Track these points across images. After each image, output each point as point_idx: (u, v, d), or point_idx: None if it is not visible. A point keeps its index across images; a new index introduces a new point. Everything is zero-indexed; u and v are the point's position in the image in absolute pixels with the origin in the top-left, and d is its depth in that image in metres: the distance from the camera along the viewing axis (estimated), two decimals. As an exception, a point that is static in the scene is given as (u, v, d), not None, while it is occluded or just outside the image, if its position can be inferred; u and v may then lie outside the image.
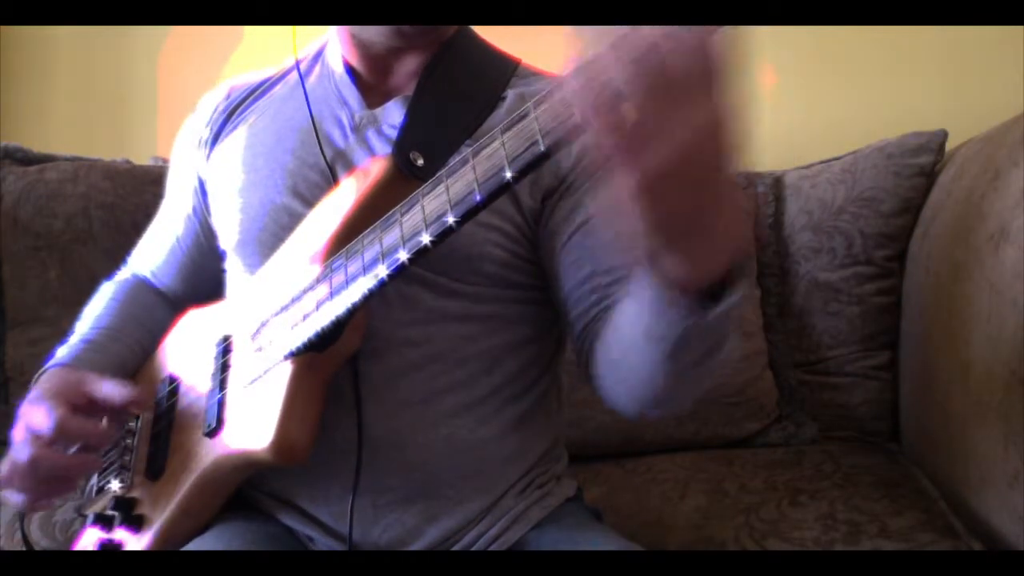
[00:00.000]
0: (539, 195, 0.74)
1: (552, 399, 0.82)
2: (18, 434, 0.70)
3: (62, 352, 0.81)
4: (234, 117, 0.83)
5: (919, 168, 1.22)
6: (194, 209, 0.87)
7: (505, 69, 0.80)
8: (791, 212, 1.31)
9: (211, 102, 0.86)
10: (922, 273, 1.16)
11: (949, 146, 1.23)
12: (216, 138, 0.83)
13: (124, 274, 0.95)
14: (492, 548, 0.73)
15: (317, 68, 0.83)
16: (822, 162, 1.33)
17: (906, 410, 1.20)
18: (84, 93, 1.68)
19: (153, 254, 0.92)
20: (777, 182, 1.34)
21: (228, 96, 0.85)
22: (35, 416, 0.68)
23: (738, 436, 1.22)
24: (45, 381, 0.74)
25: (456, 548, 0.73)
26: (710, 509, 1.00)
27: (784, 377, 1.26)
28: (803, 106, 1.52)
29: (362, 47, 0.78)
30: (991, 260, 0.90)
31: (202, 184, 0.85)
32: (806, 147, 1.42)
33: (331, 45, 0.83)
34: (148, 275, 0.93)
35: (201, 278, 0.88)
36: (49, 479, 0.69)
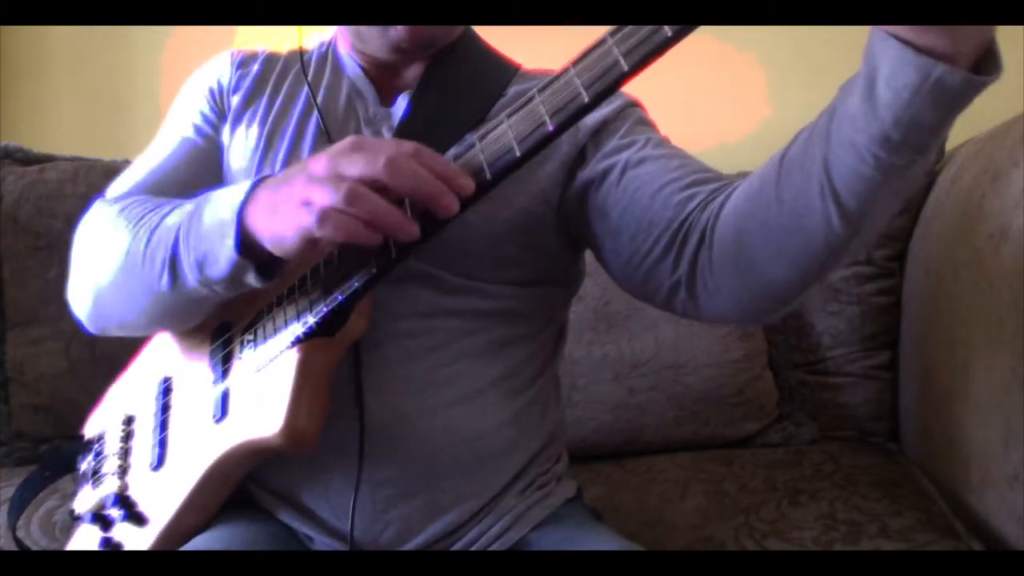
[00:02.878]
0: (559, 166, 0.76)
1: (550, 396, 0.82)
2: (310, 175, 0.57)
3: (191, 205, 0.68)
4: (255, 86, 0.82)
5: (919, 168, 1.22)
6: (209, 120, 0.83)
7: (506, 71, 0.82)
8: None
9: (235, 58, 0.85)
10: (922, 273, 1.16)
11: (949, 146, 1.23)
12: (237, 99, 0.82)
13: (108, 204, 0.80)
14: (493, 547, 0.74)
15: (331, 59, 0.83)
16: (822, 162, 1.33)
17: (906, 410, 1.20)
18: (84, 93, 1.68)
19: (146, 181, 0.82)
20: (777, 182, 1.34)
21: (253, 59, 0.84)
22: (356, 153, 0.56)
23: (738, 436, 1.22)
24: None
25: (457, 547, 0.73)
26: (710, 509, 1.00)
27: (784, 377, 1.26)
28: (803, 106, 1.51)
29: (366, 55, 0.80)
30: (991, 260, 0.90)
31: (223, 106, 0.83)
32: (806, 147, 1.42)
33: (341, 42, 0.84)
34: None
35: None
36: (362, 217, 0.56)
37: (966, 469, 0.94)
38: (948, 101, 0.46)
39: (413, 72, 0.80)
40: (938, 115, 0.47)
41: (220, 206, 0.63)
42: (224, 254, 0.62)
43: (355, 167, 0.55)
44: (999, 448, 0.84)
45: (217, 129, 0.83)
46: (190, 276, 0.65)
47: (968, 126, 1.19)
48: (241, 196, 0.62)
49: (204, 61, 0.88)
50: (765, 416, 1.23)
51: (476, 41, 0.84)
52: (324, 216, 0.54)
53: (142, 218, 0.71)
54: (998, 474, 0.85)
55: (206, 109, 0.83)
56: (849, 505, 0.96)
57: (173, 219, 0.68)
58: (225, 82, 0.83)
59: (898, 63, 0.46)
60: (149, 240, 0.68)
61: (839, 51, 1.49)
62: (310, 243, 0.57)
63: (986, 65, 0.46)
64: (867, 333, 1.24)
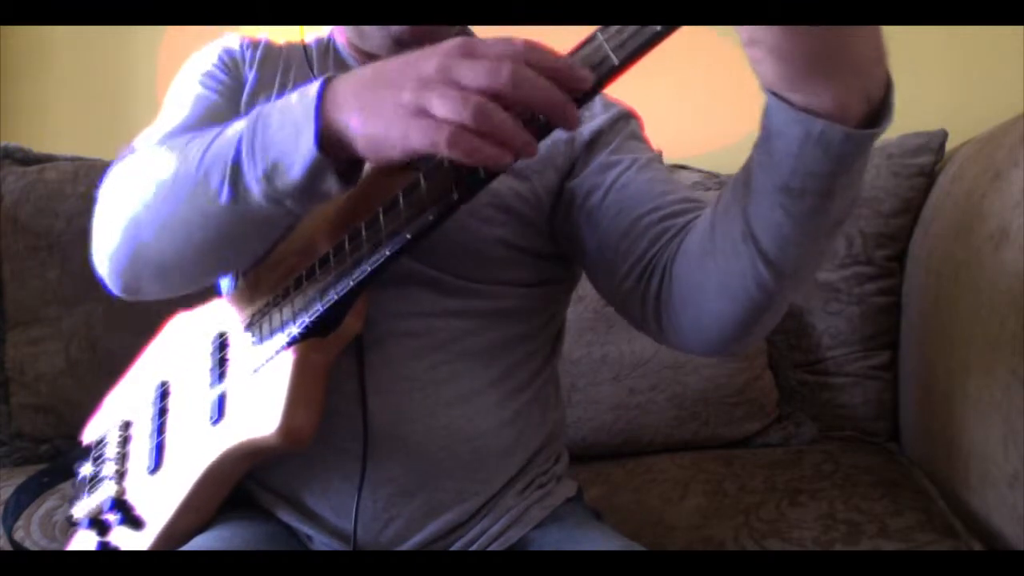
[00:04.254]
0: (555, 175, 0.77)
1: (550, 395, 0.83)
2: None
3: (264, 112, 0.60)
4: (261, 72, 0.81)
5: (919, 168, 1.22)
6: (217, 97, 0.80)
7: None
8: (791, 212, 1.31)
9: (239, 38, 0.84)
10: (922, 273, 1.16)
11: (949, 146, 1.23)
12: (250, 92, 0.81)
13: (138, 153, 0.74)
14: (493, 546, 0.74)
15: (332, 57, 0.83)
16: (822, 162, 1.33)
17: (906, 410, 1.21)
18: (84, 93, 1.68)
19: (168, 131, 0.78)
20: (777, 182, 1.34)
21: (258, 44, 0.83)
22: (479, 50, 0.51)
23: (738, 436, 1.22)
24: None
25: (457, 546, 0.73)
26: (710, 509, 1.00)
27: (784, 377, 1.26)
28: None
29: (364, 52, 0.81)
30: (991, 260, 0.90)
31: (241, 62, 0.82)
32: (806, 147, 1.42)
33: (339, 39, 0.84)
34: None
35: None
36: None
37: (966, 469, 0.94)
38: (837, 153, 0.49)
39: None
40: (832, 165, 0.49)
41: (291, 105, 0.57)
42: (300, 154, 0.55)
43: (477, 77, 0.49)
44: (999, 448, 0.84)
45: (233, 92, 0.79)
46: (255, 188, 0.58)
47: (968, 126, 1.20)
48: (315, 91, 0.56)
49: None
50: (765, 416, 1.23)
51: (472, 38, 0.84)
52: (456, 135, 0.48)
53: (190, 142, 0.64)
54: (998, 474, 0.85)
55: (219, 73, 0.80)
56: (849, 505, 0.96)
57: (231, 132, 0.60)
58: (237, 52, 0.82)
59: (784, 120, 0.49)
60: (202, 158, 0.61)
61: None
62: (421, 155, 0.52)
63: (883, 115, 0.49)
64: (867, 333, 1.24)
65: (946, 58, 1.43)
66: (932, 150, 1.22)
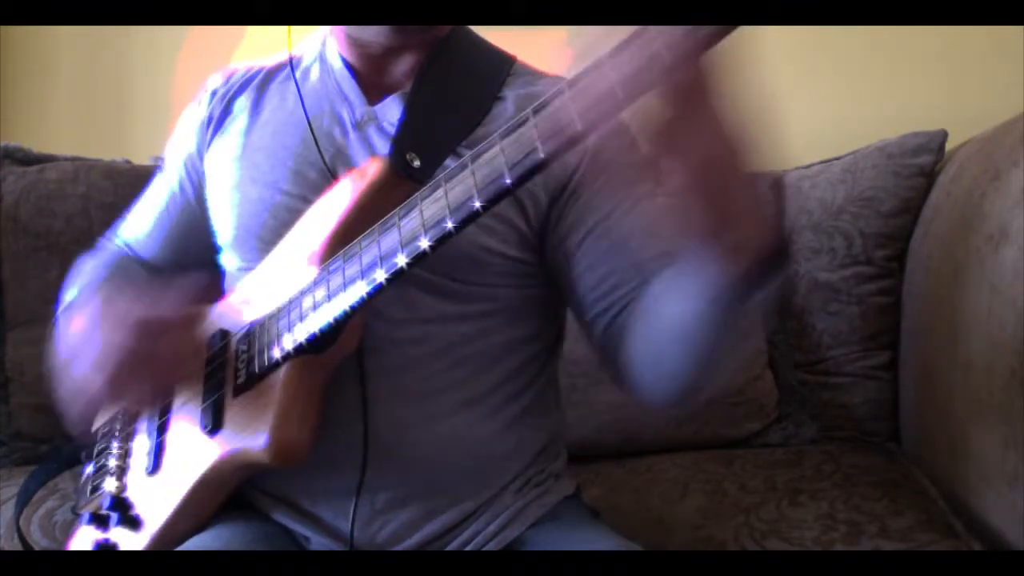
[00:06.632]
0: (546, 199, 0.74)
1: (550, 397, 0.82)
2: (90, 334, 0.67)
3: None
4: (233, 106, 0.83)
5: (919, 168, 1.22)
6: (184, 185, 0.86)
7: (501, 67, 0.80)
8: (791, 212, 1.30)
9: (211, 87, 0.85)
10: (922, 273, 1.16)
11: (949, 146, 1.23)
12: (217, 126, 0.82)
13: (111, 244, 0.93)
14: (490, 546, 0.74)
15: (317, 65, 0.82)
16: (822, 162, 1.33)
17: (906, 410, 1.20)
18: (84, 93, 1.68)
19: (140, 224, 0.90)
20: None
21: (228, 82, 0.84)
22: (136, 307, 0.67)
23: (738, 436, 1.22)
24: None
25: (454, 545, 0.73)
26: (710, 509, 1.00)
27: (784, 377, 1.26)
28: (803, 106, 1.51)
29: (359, 46, 0.78)
30: (991, 260, 0.90)
31: (199, 168, 0.84)
32: (806, 147, 1.42)
33: (329, 42, 0.82)
34: (132, 243, 0.91)
35: (187, 247, 0.87)
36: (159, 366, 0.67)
37: (966, 469, 0.94)
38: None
39: (403, 67, 0.78)
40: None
41: None
42: None
43: None
44: (999, 448, 0.84)
45: (195, 184, 0.85)
46: None
47: (968, 126, 1.20)
48: None
49: (205, 60, 0.88)
50: (765, 416, 1.23)
51: (469, 36, 0.82)
52: None
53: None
54: (998, 474, 0.85)
55: (183, 173, 0.86)
56: (849, 505, 0.96)
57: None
58: (194, 146, 0.84)
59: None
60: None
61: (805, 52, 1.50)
62: None
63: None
64: (867, 333, 1.24)
65: (946, 58, 1.43)
66: (932, 150, 1.22)
